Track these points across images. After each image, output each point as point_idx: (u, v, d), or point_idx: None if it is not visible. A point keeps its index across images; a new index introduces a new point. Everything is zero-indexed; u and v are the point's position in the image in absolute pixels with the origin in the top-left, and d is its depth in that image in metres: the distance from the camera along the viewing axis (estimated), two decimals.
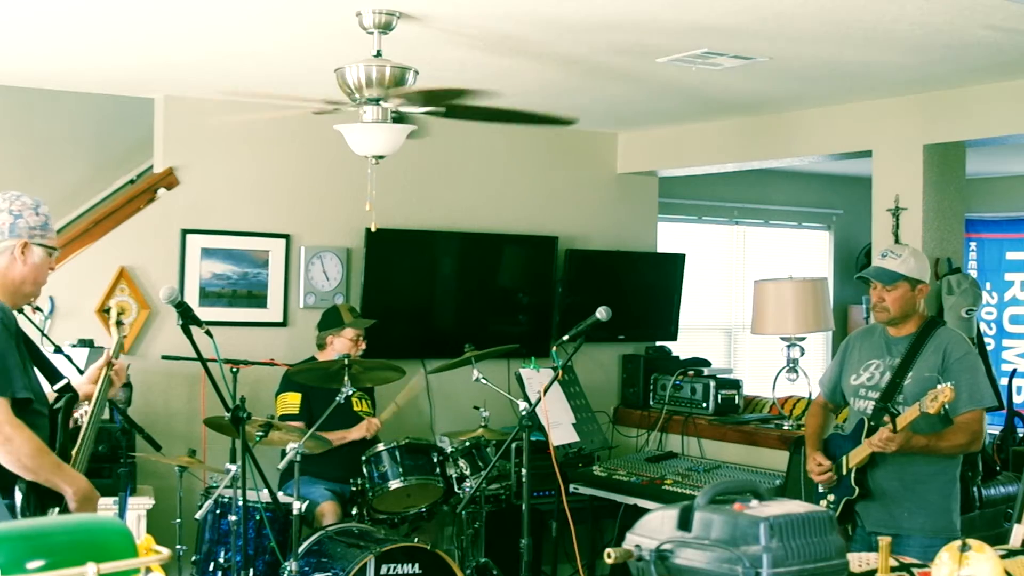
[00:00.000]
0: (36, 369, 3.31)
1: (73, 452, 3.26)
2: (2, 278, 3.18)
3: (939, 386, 3.77)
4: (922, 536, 3.96)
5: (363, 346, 5.67)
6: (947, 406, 3.88)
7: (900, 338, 4.18)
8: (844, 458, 4.15)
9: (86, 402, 3.43)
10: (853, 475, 4.09)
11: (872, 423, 4.05)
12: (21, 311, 3.47)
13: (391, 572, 4.77)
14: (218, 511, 4.85)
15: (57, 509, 3.08)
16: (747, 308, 7.63)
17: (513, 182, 6.93)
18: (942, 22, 4.19)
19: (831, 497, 4.17)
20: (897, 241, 5.74)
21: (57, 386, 3.31)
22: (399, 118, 4.34)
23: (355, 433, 5.51)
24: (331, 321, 5.70)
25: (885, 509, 4.07)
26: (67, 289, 5.58)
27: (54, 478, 3.07)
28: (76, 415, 3.40)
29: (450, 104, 4.21)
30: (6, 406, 3.01)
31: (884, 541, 2.40)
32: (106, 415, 5.31)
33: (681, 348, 7.33)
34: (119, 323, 3.70)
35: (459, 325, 6.73)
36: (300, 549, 4.75)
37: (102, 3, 4.08)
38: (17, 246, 3.18)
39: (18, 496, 3.03)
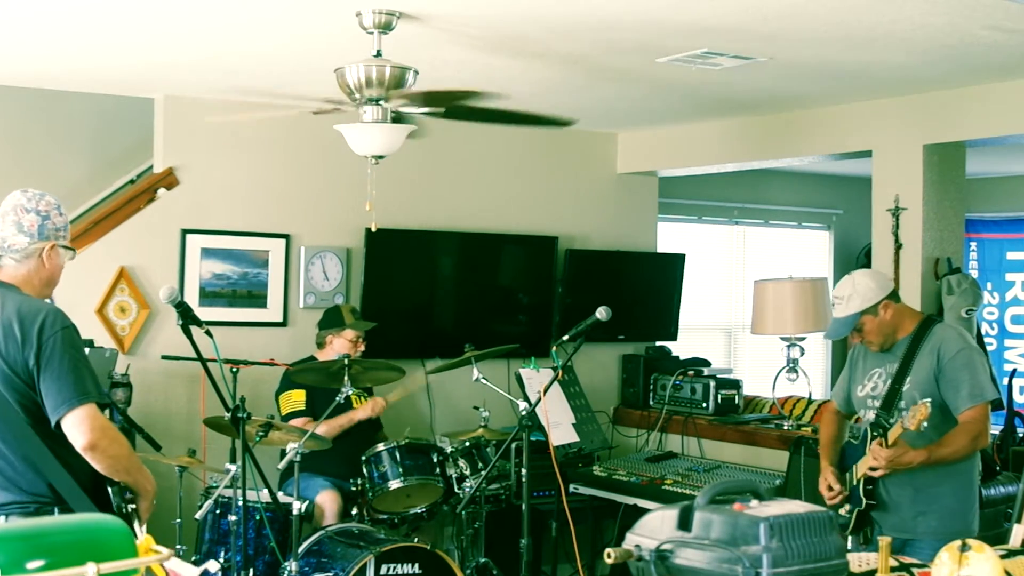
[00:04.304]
0: None
1: None
2: (31, 280, 3.15)
3: (918, 403, 3.72)
4: (934, 539, 3.88)
5: (362, 348, 5.67)
6: (942, 404, 3.86)
7: (899, 343, 4.09)
8: (853, 468, 4.11)
9: None
10: (862, 486, 4.03)
11: (874, 433, 4.01)
12: None
13: (391, 572, 4.77)
14: (218, 511, 4.85)
15: (133, 505, 3.11)
16: (747, 308, 7.63)
17: (513, 182, 6.93)
18: (942, 22, 4.19)
19: (847, 507, 4.11)
20: (897, 241, 5.74)
21: None
22: (398, 118, 4.34)
23: (362, 413, 5.54)
24: (332, 321, 5.70)
25: (898, 515, 4.00)
26: (67, 289, 5.53)
27: (140, 477, 3.10)
28: None
29: (450, 105, 4.21)
30: (99, 411, 3.01)
31: (884, 541, 2.40)
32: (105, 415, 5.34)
33: (681, 348, 7.33)
34: None
35: (459, 325, 6.73)
36: (300, 549, 4.75)
37: (102, 3, 4.08)
38: (46, 248, 3.15)
39: (110, 491, 3.05)
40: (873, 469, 3.93)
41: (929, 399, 3.76)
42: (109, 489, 3.03)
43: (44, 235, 3.14)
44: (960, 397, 3.91)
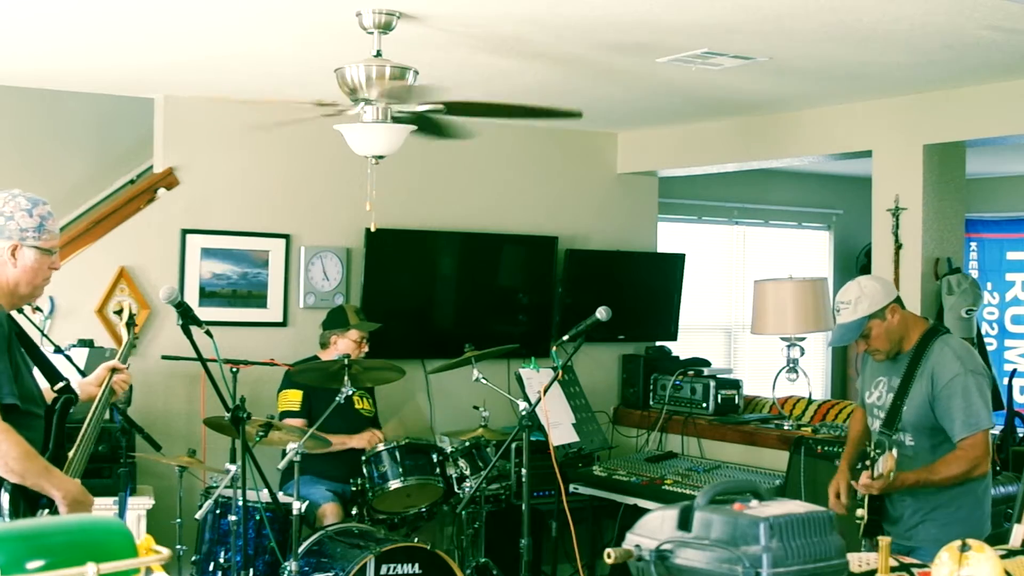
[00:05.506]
0: (36, 369, 3.30)
1: (70, 454, 3.24)
2: None
3: (887, 452, 3.71)
4: (935, 547, 3.83)
5: (366, 348, 5.67)
6: (941, 427, 3.86)
7: (903, 355, 4.00)
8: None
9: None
10: (867, 499, 3.97)
11: (872, 456, 3.97)
12: (20, 311, 3.46)
13: (391, 572, 4.77)
14: (218, 511, 4.85)
15: (47, 511, 3.06)
16: (747, 308, 7.63)
17: (513, 182, 6.93)
18: (942, 22, 4.19)
19: (859, 512, 4.06)
20: (897, 241, 5.74)
21: (57, 387, 3.29)
22: (398, 118, 4.34)
23: (356, 441, 5.51)
24: (337, 321, 5.69)
25: (901, 525, 3.98)
26: (67, 289, 5.57)
27: (41, 482, 3.05)
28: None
29: (452, 104, 4.21)
30: None
31: (884, 541, 2.40)
32: (106, 415, 5.34)
33: (681, 348, 7.33)
34: (131, 324, 3.67)
35: (459, 325, 6.73)
36: (300, 549, 4.75)
37: (102, 3, 4.08)
38: (7, 249, 3.15)
39: (4, 497, 3.01)
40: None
41: (896, 450, 3.75)
42: (1, 489, 3.00)
43: (5, 235, 3.15)
44: (955, 427, 3.85)
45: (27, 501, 3.05)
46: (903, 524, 3.98)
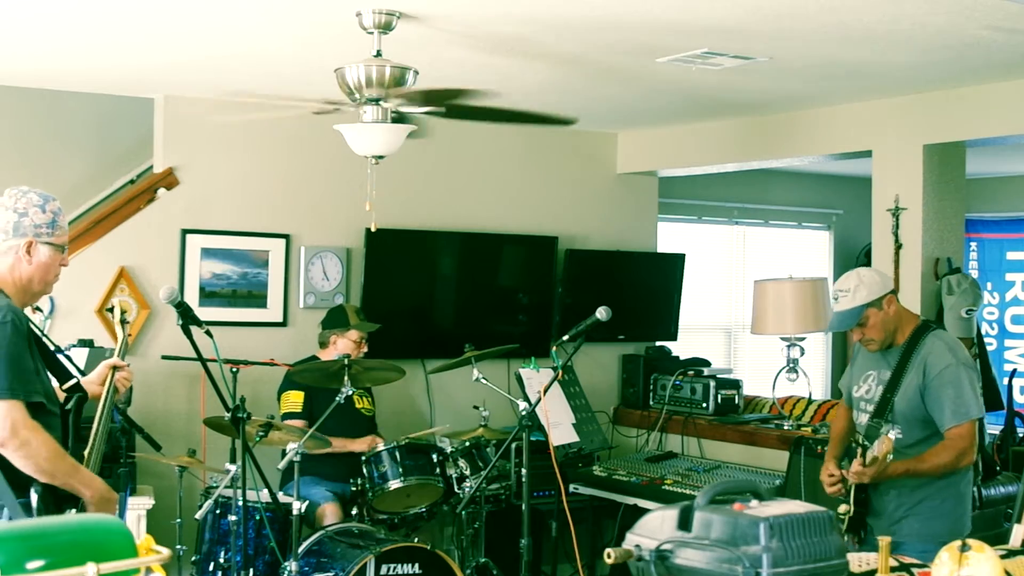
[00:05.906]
0: (46, 368, 3.30)
1: (85, 453, 3.25)
2: (9, 277, 3.16)
3: (883, 434, 3.73)
4: (918, 541, 3.87)
5: (365, 349, 5.66)
6: (930, 419, 3.88)
7: (894, 349, 4.07)
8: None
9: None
10: (853, 492, 4.02)
11: (863, 444, 3.99)
12: None
13: (391, 572, 4.77)
14: (218, 511, 4.85)
15: (74, 510, 3.05)
16: (747, 308, 7.63)
17: (513, 182, 6.93)
18: (942, 22, 4.19)
19: (843, 507, 4.10)
20: (897, 241, 5.74)
21: (66, 385, 3.30)
22: (399, 118, 4.34)
23: (358, 445, 5.50)
24: (337, 321, 5.69)
25: (884, 519, 4.00)
26: (67, 289, 5.56)
27: (71, 481, 3.04)
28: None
29: (450, 104, 4.21)
30: (22, 409, 2.98)
31: (884, 541, 2.40)
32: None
33: (681, 348, 7.33)
34: (123, 322, 3.67)
35: (459, 325, 6.73)
36: (300, 549, 4.75)
37: (102, 3, 4.08)
38: (22, 245, 3.15)
39: (33, 497, 3.00)
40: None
41: (894, 433, 3.77)
42: (31, 489, 3.00)
43: (20, 232, 3.14)
44: (944, 416, 3.90)
45: (55, 499, 3.04)
46: (887, 518, 4.01)
